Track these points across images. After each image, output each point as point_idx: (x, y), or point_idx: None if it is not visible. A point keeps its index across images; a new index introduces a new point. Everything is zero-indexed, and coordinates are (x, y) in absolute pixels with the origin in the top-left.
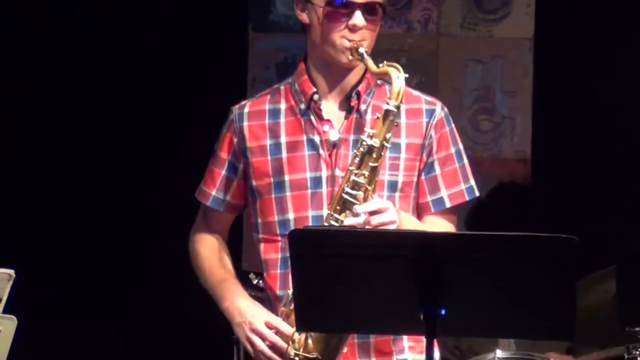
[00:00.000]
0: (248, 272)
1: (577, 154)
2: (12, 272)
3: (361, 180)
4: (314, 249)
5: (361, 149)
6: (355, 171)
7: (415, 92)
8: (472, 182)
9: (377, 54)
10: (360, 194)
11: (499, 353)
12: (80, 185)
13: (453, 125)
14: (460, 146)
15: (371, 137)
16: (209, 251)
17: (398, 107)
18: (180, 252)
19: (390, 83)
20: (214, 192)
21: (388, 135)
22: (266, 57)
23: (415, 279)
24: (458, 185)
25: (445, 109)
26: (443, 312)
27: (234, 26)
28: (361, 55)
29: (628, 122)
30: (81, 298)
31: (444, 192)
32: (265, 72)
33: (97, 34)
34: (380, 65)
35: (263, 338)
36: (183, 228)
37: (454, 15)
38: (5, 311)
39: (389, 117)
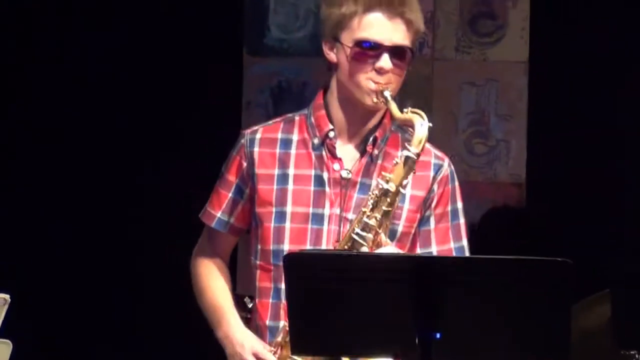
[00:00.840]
0: (243, 295)
1: (572, 177)
2: (7, 296)
3: (372, 222)
4: (309, 272)
5: (376, 192)
6: (368, 213)
7: (427, 144)
8: (465, 242)
9: None
10: (370, 237)
11: None
12: (78, 190)
13: (457, 183)
14: (459, 205)
15: (387, 181)
16: (209, 275)
17: (418, 155)
18: (178, 256)
19: (412, 129)
20: (218, 214)
21: (405, 182)
22: (261, 81)
23: (409, 303)
24: (447, 243)
25: (452, 166)
26: (438, 335)
27: (229, 49)
28: (385, 98)
29: (624, 145)
30: (79, 323)
31: (433, 248)
32: (260, 96)
33: (95, 48)
34: (405, 110)
35: None
36: (180, 232)
37: (448, 39)
38: (0, 335)
39: (408, 164)
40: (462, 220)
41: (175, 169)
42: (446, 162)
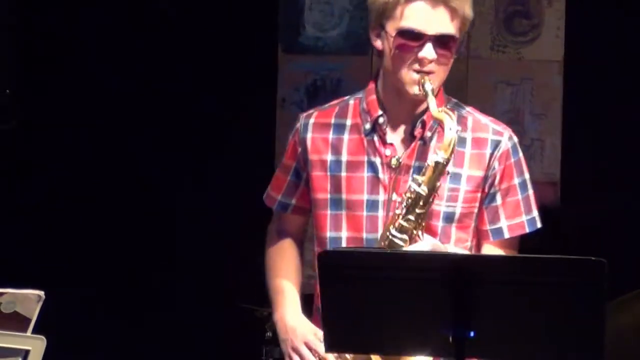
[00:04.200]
0: None
1: (607, 176)
2: (42, 293)
3: (407, 224)
4: (342, 270)
5: (409, 195)
6: (403, 215)
7: (484, 120)
8: (535, 213)
9: None
10: (406, 237)
11: None
12: (118, 187)
13: (521, 154)
14: (526, 176)
15: (419, 184)
16: (276, 256)
17: (448, 160)
18: (223, 248)
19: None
20: (279, 197)
21: (437, 184)
22: (296, 78)
23: (443, 301)
24: (519, 216)
25: (514, 138)
26: (472, 334)
27: (264, 47)
28: (426, 92)
29: None
30: (113, 319)
31: (503, 223)
32: (295, 94)
33: (130, 50)
34: (440, 109)
35: (301, 357)
36: (213, 227)
37: (483, 38)
38: (34, 331)
39: (438, 168)
40: (530, 192)
41: (211, 165)
42: (505, 136)
